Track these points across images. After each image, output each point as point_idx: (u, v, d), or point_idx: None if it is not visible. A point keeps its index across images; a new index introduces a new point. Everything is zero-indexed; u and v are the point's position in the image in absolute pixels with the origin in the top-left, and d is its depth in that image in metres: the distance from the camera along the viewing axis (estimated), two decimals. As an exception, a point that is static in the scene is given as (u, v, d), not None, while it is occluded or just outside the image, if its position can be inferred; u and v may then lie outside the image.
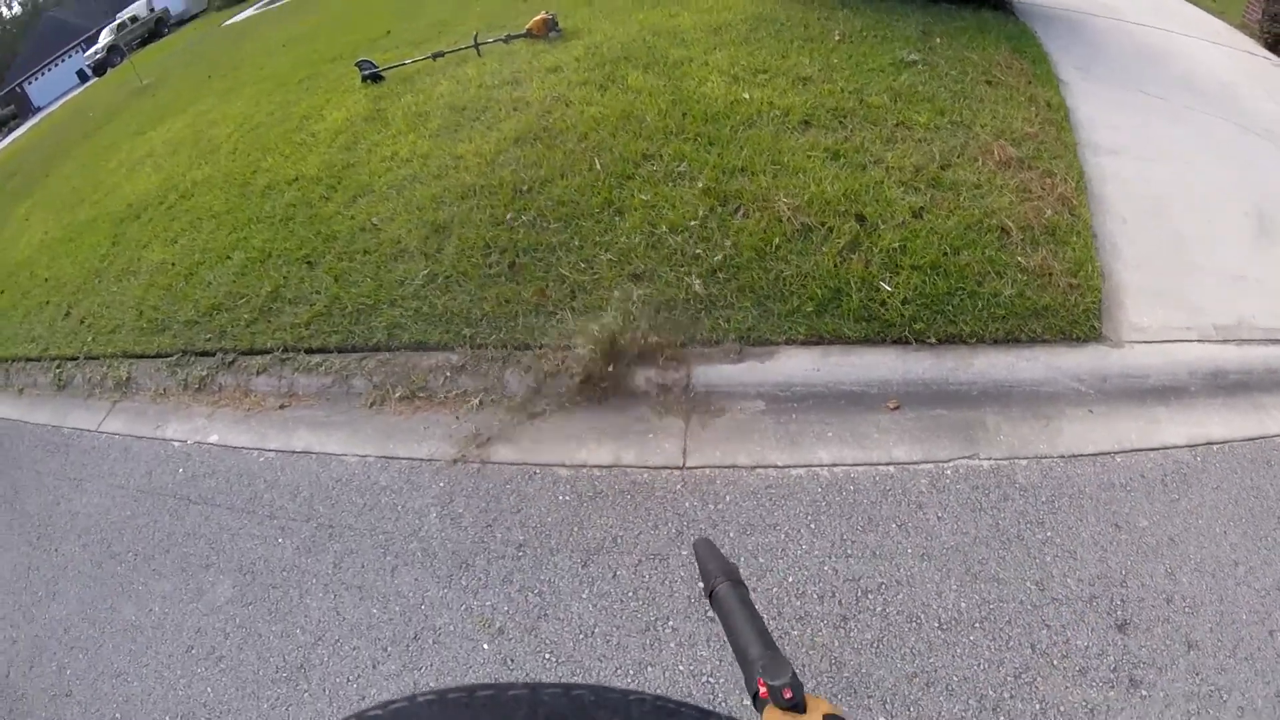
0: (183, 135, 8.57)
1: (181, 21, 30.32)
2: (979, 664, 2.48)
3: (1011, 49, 5.54)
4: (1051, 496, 3.00)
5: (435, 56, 6.79)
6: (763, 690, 0.70)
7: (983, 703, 2.38)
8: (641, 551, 2.96)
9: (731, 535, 2.95)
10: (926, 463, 3.16)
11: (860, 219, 3.79)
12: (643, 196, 4.05)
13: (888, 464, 3.16)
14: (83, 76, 30.38)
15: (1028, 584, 2.68)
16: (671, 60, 5.42)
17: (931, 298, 3.55)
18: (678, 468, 3.22)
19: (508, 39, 6.62)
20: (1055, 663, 2.47)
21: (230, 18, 23.40)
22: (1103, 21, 7.82)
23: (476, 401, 3.66)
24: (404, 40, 8.82)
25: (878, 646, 2.55)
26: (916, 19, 5.99)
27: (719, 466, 3.20)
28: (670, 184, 4.13)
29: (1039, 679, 2.43)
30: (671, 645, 2.65)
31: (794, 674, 0.70)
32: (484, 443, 3.50)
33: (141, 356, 4.94)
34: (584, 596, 2.85)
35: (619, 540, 3.02)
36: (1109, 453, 3.19)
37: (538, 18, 6.51)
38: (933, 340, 3.50)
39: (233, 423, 4.23)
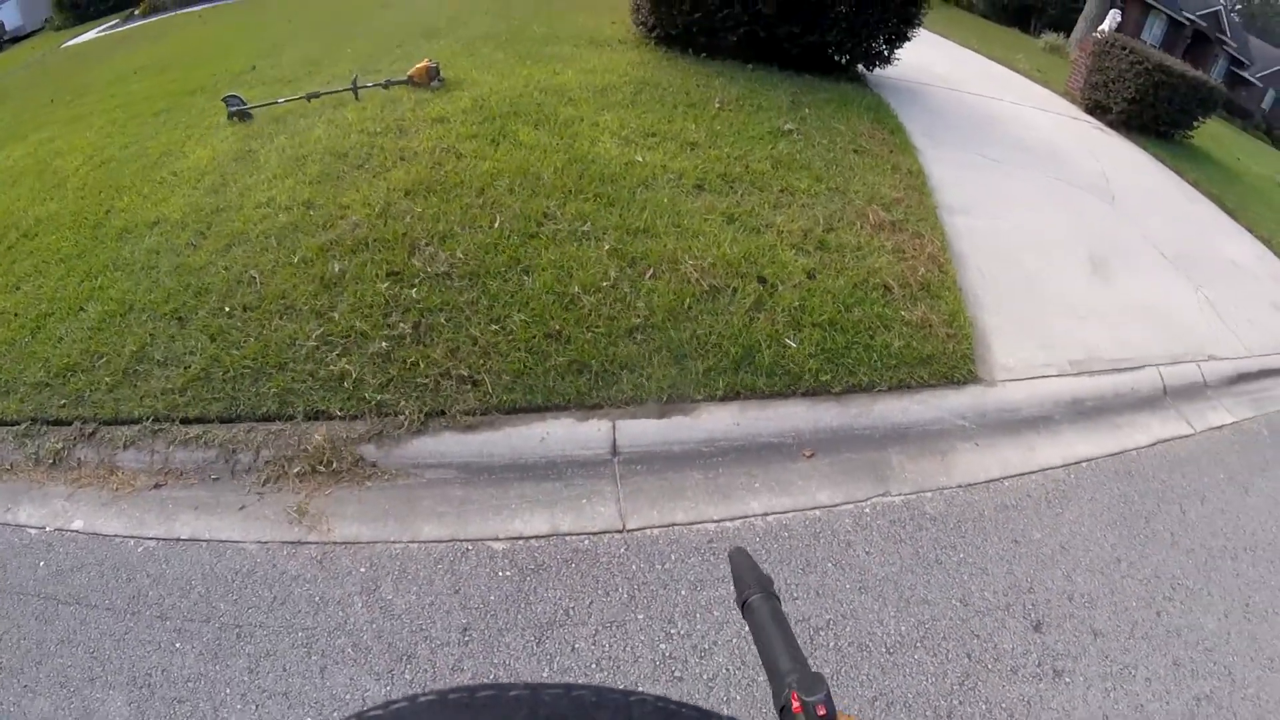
0: (24, 165, 7.40)
1: (17, 38, 26.92)
2: (927, 679, 2.74)
3: (872, 119, 6.09)
4: (958, 522, 3.40)
5: (310, 97, 6.36)
6: (796, 705, 0.70)
7: (938, 712, 2.64)
8: (597, 621, 2.87)
9: (683, 594, 2.95)
10: (847, 503, 3.40)
11: (762, 280, 3.98)
12: (550, 255, 4.00)
13: (814, 508, 3.36)
14: None
15: (953, 601, 3.02)
16: (562, 119, 5.43)
17: (832, 352, 3.78)
18: (618, 531, 3.17)
19: (387, 84, 6.35)
20: (990, 666, 2.81)
21: (71, 39, 20.75)
22: (943, 92, 8.81)
23: (392, 474, 3.43)
24: (270, 77, 8.23)
25: (838, 678, 2.70)
26: (786, 89, 6.43)
27: (659, 526, 3.18)
28: (576, 244, 4.11)
29: (979, 683, 2.75)
30: (648, 712, 2.59)
31: (828, 691, 0.71)
32: (404, 520, 3.28)
33: None
34: (544, 675, 2.71)
35: (570, 612, 2.90)
36: (998, 479, 3.68)
37: (420, 65, 6.30)
38: (837, 390, 3.72)
39: (99, 505, 3.63)
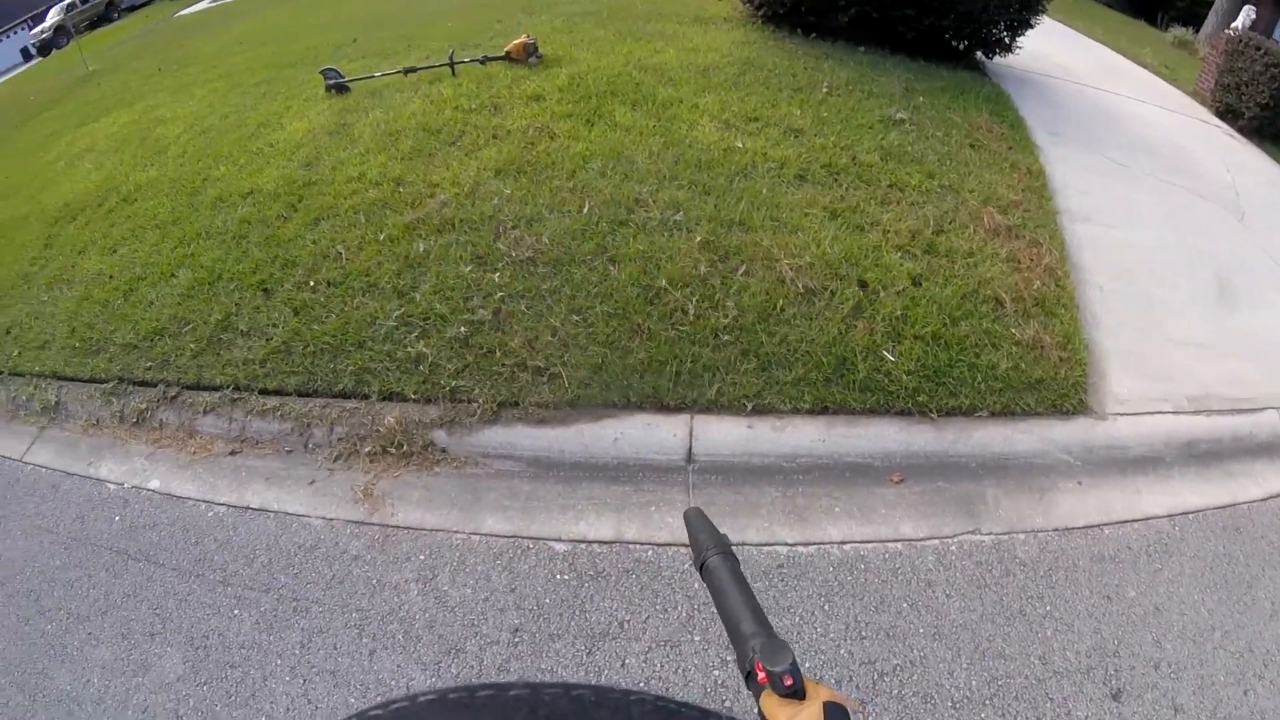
0: (128, 131, 7.71)
1: (133, 7, 28.67)
2: (990, 741, 2.50)
3: (990, 112, 5.68)
4: (1049, 570, 3.07)
5: (407, 72, 6.35)
6: (762, 676, 0.69)
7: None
8: (651, 638, 2.74)
9: None
10: (932, 538, 3.13)
11: (863, 284, 3.71)
12: (638, 245, 3.83)
13: (896, 540, 3.11)
14: (26, 55, 29.01)
15: (1031, 658, 2.72)
16: (660, 100, 5.23)
17: (933, 369, 3.50)
18: (685, 545, 3.01)
19: (484, 60, 6.27)
20: (1059, 735, 2.53)
21: (183, 9, 21.95)
22: (1064, 85, 8.22)
23: (460, 462, 3.35)
24: (370, 51, 8.26)
25: (899, 729, 2.51)
26: (899, 75, 6.06)
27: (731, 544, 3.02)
28: (666, 233, 3.93)
29: (1044, 753, 2.49)
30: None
31: (794, 660, 0.69)
32: (468, 511, 3.20)
33: (73, 380, 4.35)
34: None
35: (625, 625, 2.77)
36: (1098, 525, 3.30)
37: (518, 41, 6.19)
38: (934, 413, 3.44)
39: (176, 467, 3.71)
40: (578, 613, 2.82)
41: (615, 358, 3.42)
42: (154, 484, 3.68)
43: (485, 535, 3.12)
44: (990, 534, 3.17)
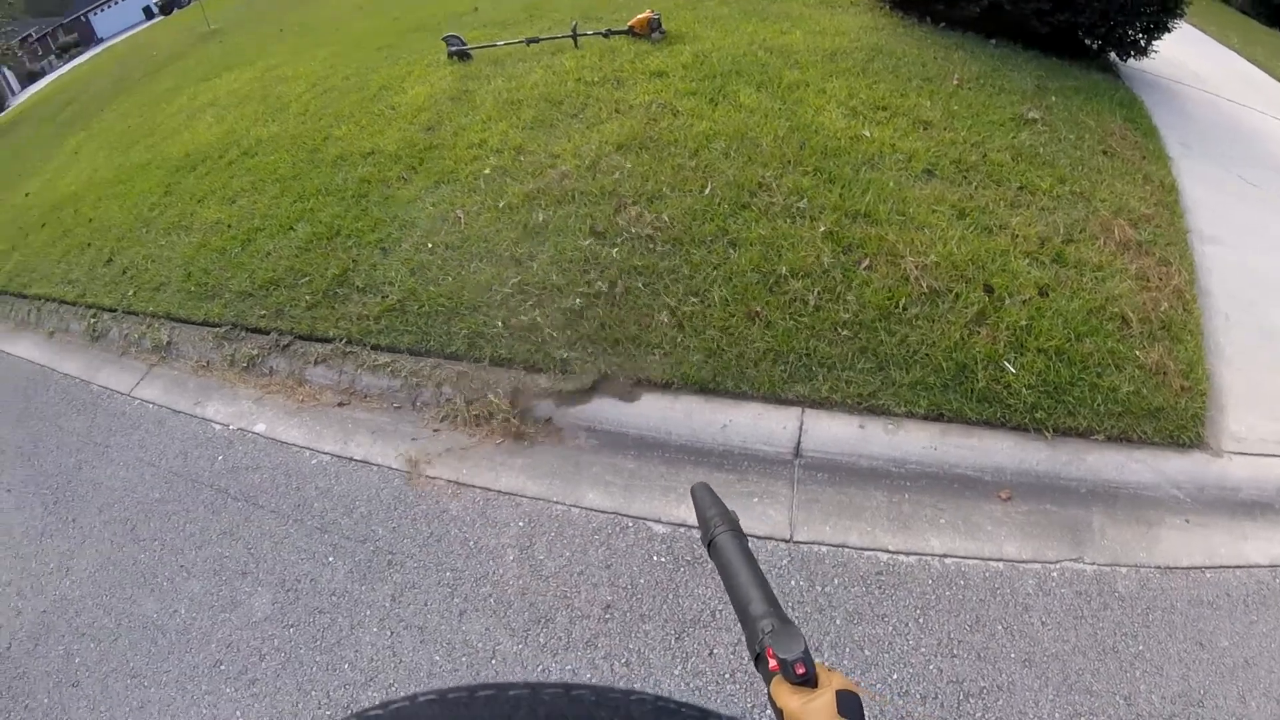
0: (250, 88, 8.00)
1: None
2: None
3: (1124, 117, 5.40)
4: (1146, 609, 2.95)
5: (529, 42, 6.37)
6: (773, 663, 0.68)
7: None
8: (741, 631, 2.74)
9: (838, 623, 2.75)
10: (1034, 562, 3.04)
11: (988, 289, 3.58)
12: (760, 230, 3.77)
13: (997, 560, 3.03)
14: (148, 13, 30.95)
15: (1117, 698, 2.64)
16: (786, 82, 5.10)
17: (1054, 385, 3.38)
18: (784, 540, 2.99)
19: (608, 34, 6.22)
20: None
21: None
22: (1198, 94, 7.76)
23: (565, 434, 3.37)
24: (490, 19, 8.31)
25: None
26: (1030, 70, 5.81)
27: (829, 544, 2.97)
28: (788, 220, 3.84)
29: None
30: (765, 735, 2.46)
31: (806, 647, 0.68)
32: (570, 482, 3.22)
33: (185, 322, 4.54)
34: (676, 674, 2.62)
35: (717, 615, 2.78)
36: (1200, 567, 3.14)
37: (641, 15, 6.12)
38: (1050, 431, 3.33)
39: (283, 413, 3.83)
40: (670, 596, 2.84)
41: (730, 343, 3.39)
42: (259, 427, 3.80)
43: (585, 509, 3.14)
44: (1093, 564, 3.07)
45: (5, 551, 3.61)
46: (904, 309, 3.49)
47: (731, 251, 3.71)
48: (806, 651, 0.68)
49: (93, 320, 5.03)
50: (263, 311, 4.19)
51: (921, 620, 2.79)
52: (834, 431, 3.27)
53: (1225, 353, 3.95)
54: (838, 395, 3.28)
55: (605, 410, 3.38)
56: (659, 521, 3.07)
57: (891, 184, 4.11)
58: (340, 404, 3.77)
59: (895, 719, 2.55)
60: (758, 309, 3.44)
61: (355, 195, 4.73)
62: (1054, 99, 5.33)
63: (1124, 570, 3.06)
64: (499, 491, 3.24)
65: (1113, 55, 6.93)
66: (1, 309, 5.93)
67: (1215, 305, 4.20)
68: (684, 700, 0.58)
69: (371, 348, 3.82)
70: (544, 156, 4.57)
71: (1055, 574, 3.02)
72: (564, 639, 2.72)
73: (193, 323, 4.49)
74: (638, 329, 3.45)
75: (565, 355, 3.45)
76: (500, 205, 4.19)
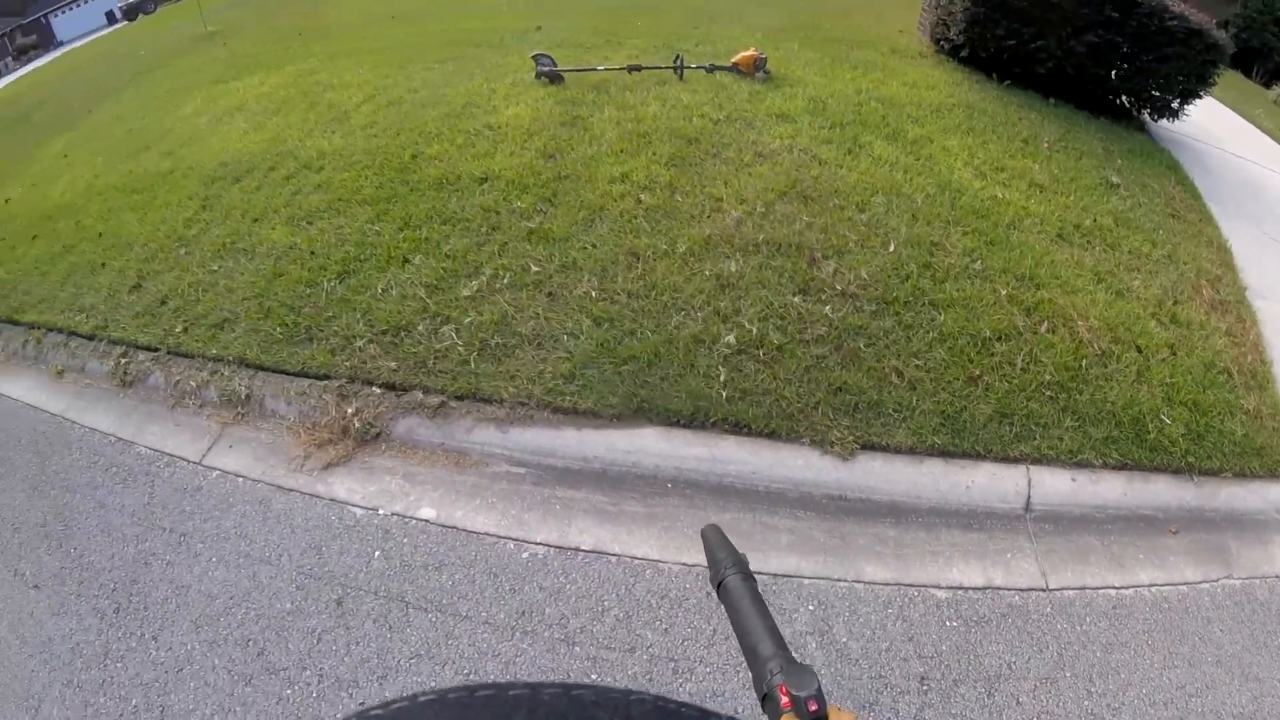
0: (286, 94, 7.23)
1: None
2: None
3: (1174, 180, 6.06)
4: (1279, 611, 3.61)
5: (632, 69, 6.15)
6: (785, 700, 0.68)
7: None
8: (1035, 676, 3.05)
9: (1098, 654, 3.15)
10: (1204, 582, 3.61)
11: (1138, 349, 4.08)
12: (952, 291, 4.02)
13: (1182, 583, 3.56)
14: (111, 18, 29.73)
15: (1275, 681, 3.22)
16: (911, 137, 5.32)
17: (1196, 433, 3.93)
18: (1043, 589, 3.33)
19: (712, 68, 6.15)
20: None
21: None
22: (1209, 149, 8.46)
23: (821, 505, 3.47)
24: (560, 39, 7.87)
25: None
26: (1093, 133, 6.39)
27: (1074, 588, 3.37)
28: (970, 281, 4.12)
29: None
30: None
31: (819, 685, 0.68)
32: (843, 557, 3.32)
33: (274, 371, 3.89)
34: None
35: (1012, 666, 3.07)
36: None
37: (746, 53, 6.10)
38: (1197, 473, 3.89)
39: (455, 493, 3.33)
40: (972, 657, 3.06)
41: (960, 406, 3.64)
42: (426, 512, 3.25)
43: (867, 583, 3.22)
44: (1239, 578, 3.68)
45: (54, 677, 2.77)
46: (1087, 369, 3.91)
47: (936, 313, 3.94)
48: (820, 690, 0.68)
49: (123, 360, 4.26)
50: (393, 363, 3.70)
51: (1150, 642, 3.24)
52: (1053, 485, 3.63)
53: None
54: (1053, 452, 3.64)
55: (856, 476, 3.50)
56: (938, 587, 3.25)
57: (1039, 248, 4.48)
58: (537, 483, 3.37)
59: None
60: (977, 372, 3.72)
61: (486, 227, 4.38)
62: (1120, 162, 5.91)
63: (1258, 581, 3.69)
64: (774, 574, 3.19)
65: (1146, 114, 7.78)
66: (-15, 337, 4.95)
67: (1276, 357, 4.90)
68: (684, 701, 0.60)
69: (552, 410, 3.48)
70: (703, 198, 4.47)
71: (1219, 589, 3.59)
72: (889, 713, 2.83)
73: (285, 372, 3.85)
74: (877, 393, 3.60)
75: (808, 423, 3.51)
76: (679, 251, 4.11)
